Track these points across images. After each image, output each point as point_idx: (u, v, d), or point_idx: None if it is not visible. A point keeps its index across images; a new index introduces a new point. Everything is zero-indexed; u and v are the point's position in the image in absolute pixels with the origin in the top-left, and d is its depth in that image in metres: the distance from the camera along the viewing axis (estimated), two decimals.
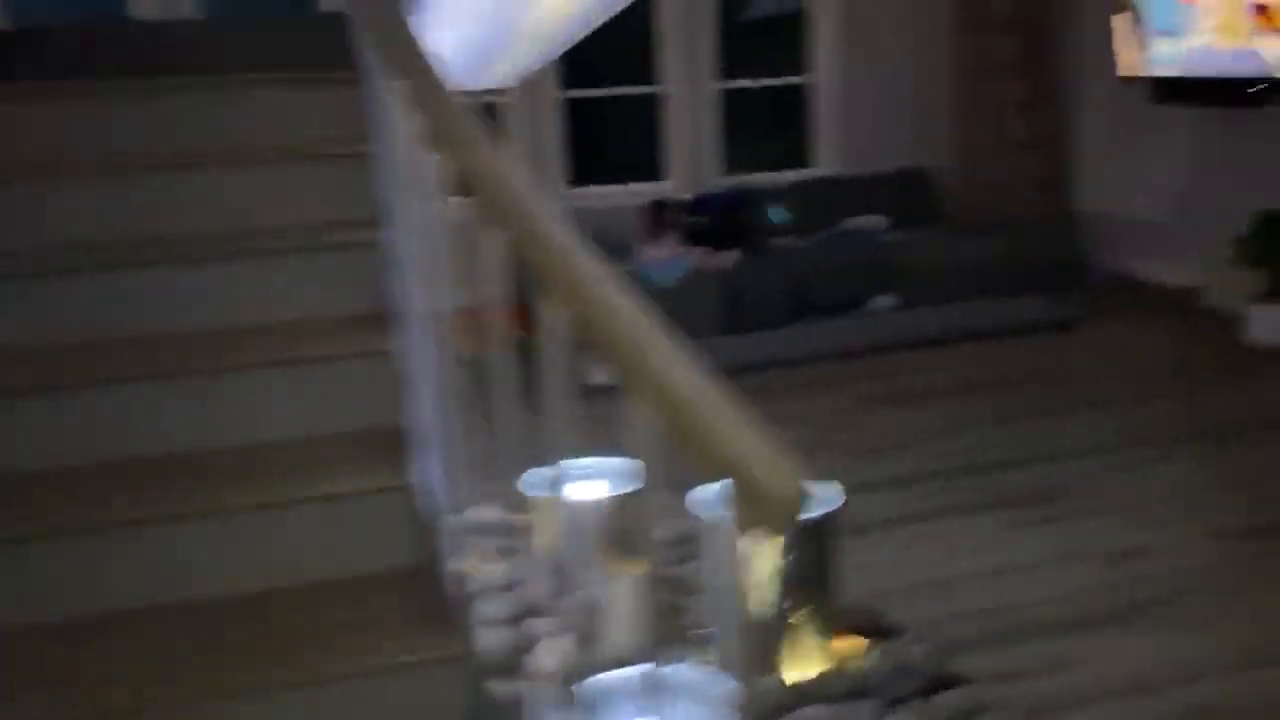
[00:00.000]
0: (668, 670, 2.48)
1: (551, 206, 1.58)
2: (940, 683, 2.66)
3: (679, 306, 5.96)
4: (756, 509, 1.17)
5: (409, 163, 1.90)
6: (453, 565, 2.00)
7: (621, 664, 2.83)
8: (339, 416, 2.22)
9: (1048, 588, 3.54)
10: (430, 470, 2.12)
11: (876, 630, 2.97)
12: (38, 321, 2.22)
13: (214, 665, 1.82)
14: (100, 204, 2.33)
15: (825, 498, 2.76)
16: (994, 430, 4.91)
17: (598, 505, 3.25)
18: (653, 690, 2.49)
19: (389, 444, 2.20)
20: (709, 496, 3.27)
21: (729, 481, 1.19)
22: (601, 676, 2.46)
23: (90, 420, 2.10)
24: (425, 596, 2.06)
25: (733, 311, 6.24)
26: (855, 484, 4.42)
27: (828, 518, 2.69)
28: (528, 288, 6.07)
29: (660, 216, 6.26)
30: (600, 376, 5.13)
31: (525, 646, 2.86)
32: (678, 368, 1.33)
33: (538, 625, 2.95)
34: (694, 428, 1.25)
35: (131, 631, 1.90)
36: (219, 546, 2.00)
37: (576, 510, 3.23)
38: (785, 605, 2.68)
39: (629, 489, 3.30)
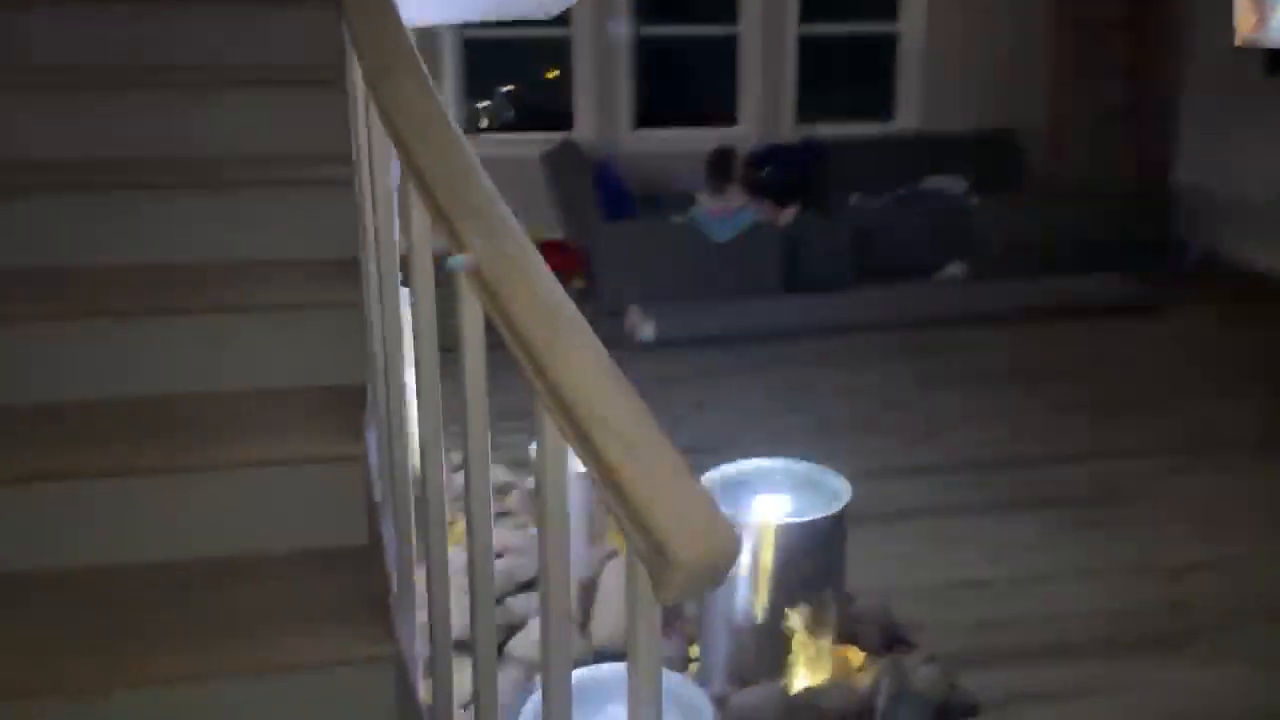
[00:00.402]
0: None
1: (481, 178, 1.32)
2: (949, 710, 2.41)
3: (736, 261, 5.77)
4: (668, 577, 0.94)
5: (362, 100, 1.67)
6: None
7: (597, 656, 2.64)
8: (298, 371, 2.02)
9: (1091, 600, 3.23)
10: None
11: (887, 639, 2.72)
12: None
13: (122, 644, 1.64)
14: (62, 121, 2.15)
15: (836, 492, 2.51)
16: (1054, 419, 4.58)
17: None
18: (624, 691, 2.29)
19: (352, 405, 2.00)
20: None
21: (642, 539, 0.95)
22: (581, 671, 2.27)
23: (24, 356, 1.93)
24: (370, 580, 1.86)
25: (793, 270, 5.94)
26: (896, 468, 4.18)
27: (835, 516, 2.43)
28: (580, 229, 5.73)
29: (724, 165, 5.95)
30: (648, 333, 4.86)
31: (509, 626, 2.67)
32: (590, 385, 1.08)
33: (523, 604, 2.76)
34: (605, 465, 1.01)
35: (41, 598, 1.74)
36: (146, 507, 1.82)
37: (578, 481, 3.02)
38: (787, 608, 2.45)
39: None
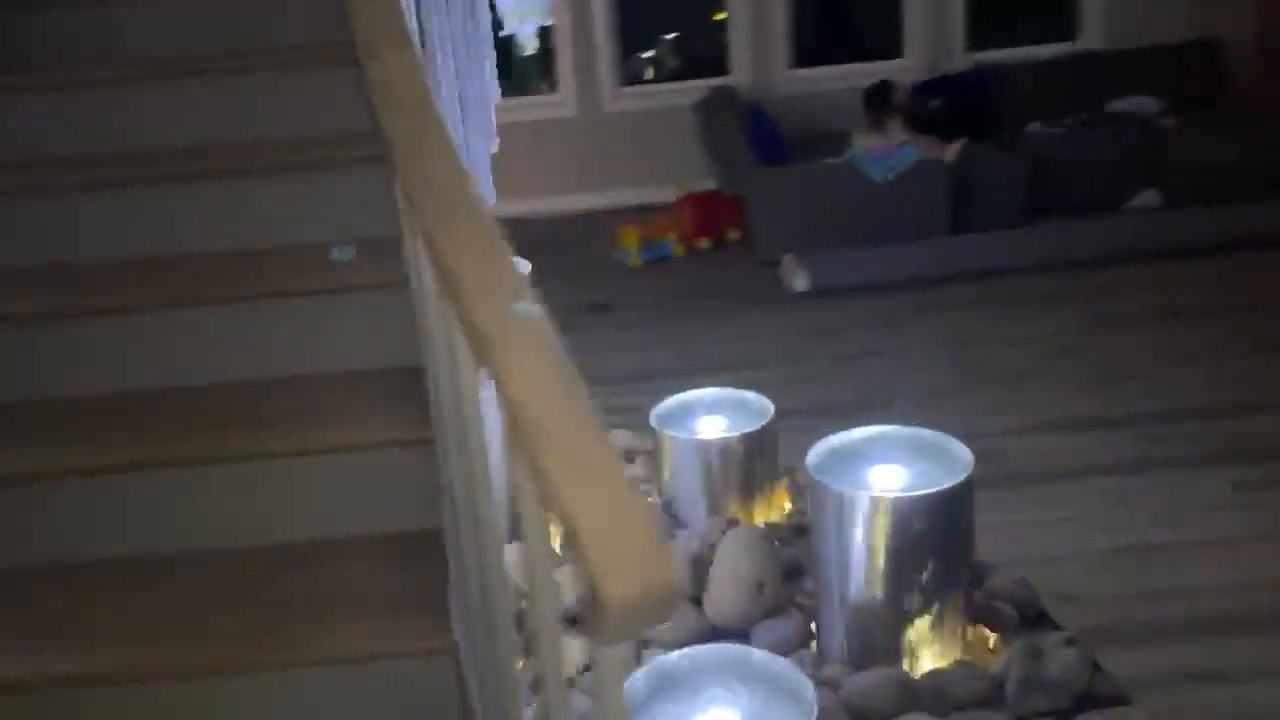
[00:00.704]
0: (755, 655, 2.15)
1: (451, 157, 1.20)
2: (1089, 699, 2.19)
3: (899, 202, 5.46)
4: (597, 617, 0.82)
5: None
6: None
7: (713, 633, 2.53)
8: (357, 353, 1.98)
9: (1277, 568, 2.90)
10: None
11: (1026, 617, 2.50)
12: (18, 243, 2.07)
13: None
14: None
15: (959, 461, 2.30)
16: (1250, 363, 4.13)
17: (723, 443, 2.91)
18: (727, 673, 2.17)
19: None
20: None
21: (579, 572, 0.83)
22: (682, 652, 2.17)
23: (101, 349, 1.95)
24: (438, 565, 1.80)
25: (962, 209, 5.59)
26: (1062, 421, 3.86)
27: (956, 488, 2.23)
28: (733, 177, 5.54)
29: (883, 99, 5.63)
30: (802, 283, 4.64)
31: None
32: (537, 393, 0.95)
33: None
34: (547, 484, 0.89)
35: (125, 582, 1.76)
36: (216, 495, 1.82)
37: (699, 446, 2.90)
38: (914, 583, 2.27)
39: (757, 426, 2.94)
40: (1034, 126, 6.08)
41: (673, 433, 2.88)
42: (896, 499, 2.21)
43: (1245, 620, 2.70)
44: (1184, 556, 3.00)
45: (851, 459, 2.36)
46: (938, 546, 2.22)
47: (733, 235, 5.95)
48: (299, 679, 1.64)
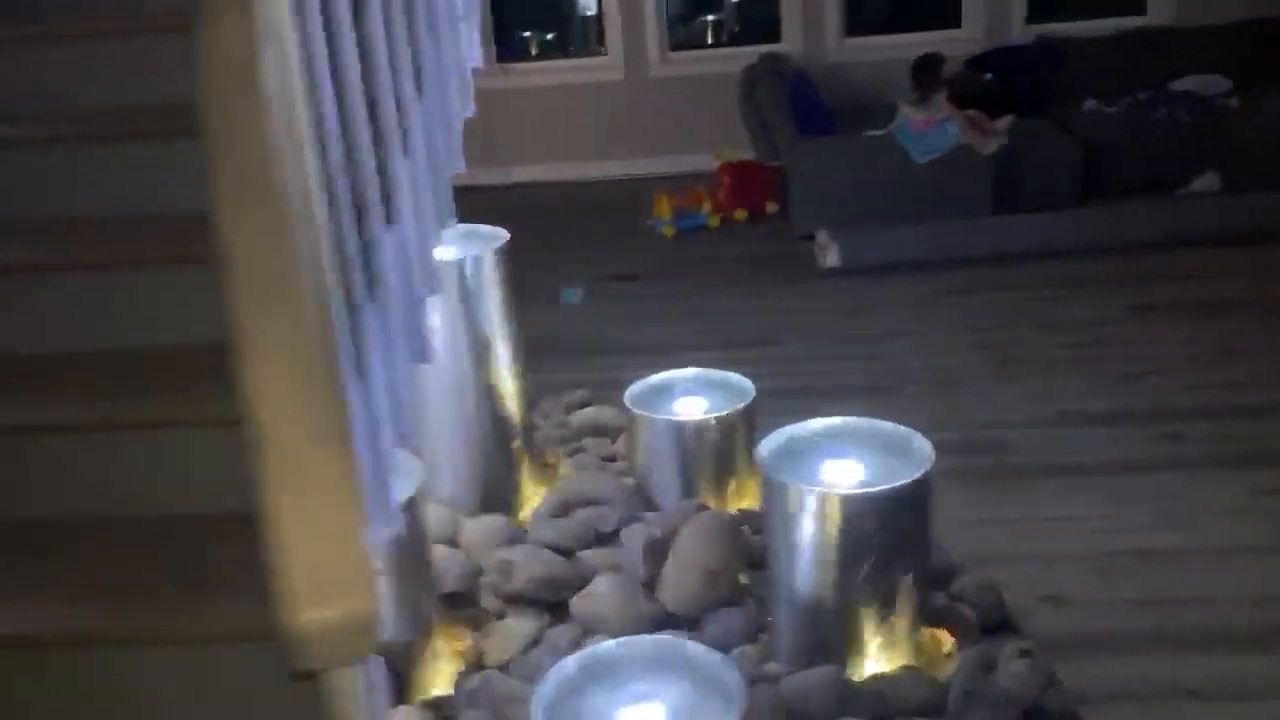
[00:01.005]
0: (689, 647, 2.08)
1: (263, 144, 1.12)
2: (1038, 713, 2.07)
3: (941, 179, 5.27)
4: (294, 641, 0.75)
5: None
6: None
7: (665, 620, 2.46)
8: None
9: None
10: None
11: (989, 622, 2.38)
12: None
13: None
14: None
15: (919, 457, 2.19)
16: None
17: (698, 425, 2.81)
18: (660, 665, 2.10)
19: None
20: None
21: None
22: (618, 640, 2.10)
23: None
24: None
25: (1010, 188, 5.38)
26: (1084, 414, 3.69)
27: (913, 485, 2.12)
28: (773, 148, 5.37)
29: (930, 71, 5.42)
30: (833, 259, 4.52)
31: (580, 579, 2.53)
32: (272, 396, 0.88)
33: (594, 558, 2.61)
34: (264, 502, 0.83)
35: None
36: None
37: (673, 427, 2.81)
38: (863, 583, 2.17)
39: (734, 407, 2.84)
40: (1090, 104, 5.82)
41: (645, 413, 2.80)
42: (846, 497, 2.11)
43: (1244, 637, 2.56)
44: (1188, 564, 2.85)
45: (808, 451, 2.26)
46: (889, 546, 2.12)
47: (771, 208, 5.81)
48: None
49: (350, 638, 0.76)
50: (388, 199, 1.88)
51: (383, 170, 1.92)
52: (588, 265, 5.41)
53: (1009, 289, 4.78)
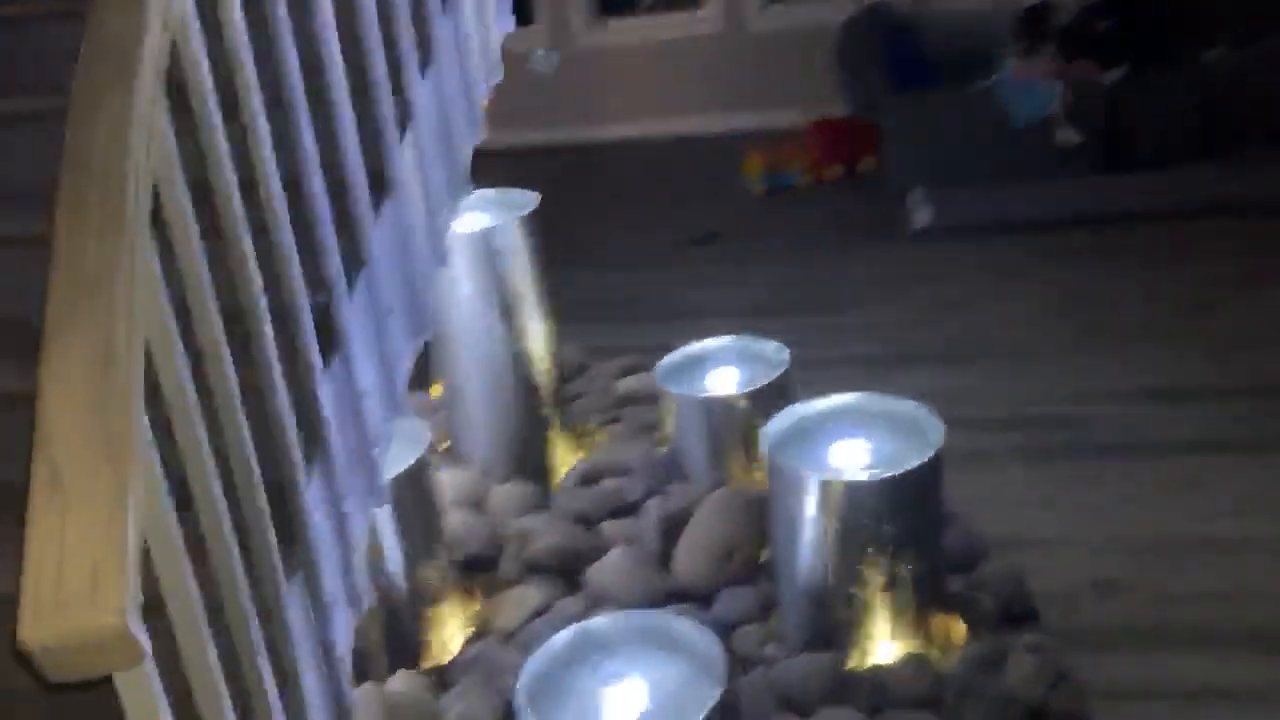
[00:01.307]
0: (677, 624, 2.06)
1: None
2: (1043, 713, 1.98)
3: (1045, 133, 5.01)
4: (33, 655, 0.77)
5: None
6: None
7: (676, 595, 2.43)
8: None
9: None
10: None
11: (1010, 612, 2.28)
12: None
13: None
14: None
15: (930, 440, 2.10)
16: None
17: (726, 400, 2.74)
18: (648, 641, 2.08)
19: None
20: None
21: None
22: (609, 616, 2.09)
23: None
24: None
25: (1121, 144, 5.08)
26: (1164, 390, 3.47)
27: (919, 469, 2.04)
28: (871, 105, 5.18)
29: (1039, 25, 5.14)
30: (922, 219, 4.37)
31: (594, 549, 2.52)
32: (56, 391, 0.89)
33: (613, 529, 2.60)
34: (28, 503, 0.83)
35: None
36: None
37: (701, 404, 2.75)
38: (866, 570, 2.10)
39: (766, 380, 2.77)
40: (1214, 53, 5.43)
41: (673, 389, 2.76)
42: (849, 483, 2.04)
43: (1256, 632, 2.41)
44: (1249, 555, 2.68)
45: (817, 431, 2.19)
46: (895, 532, 2.05)
47: (866, 165, 5.64)
48: None
49: (86, 655, 0.77)
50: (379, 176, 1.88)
51: (375, 146, 1.93)
52: (667, 225, 5.35)
53: (1108, 253, 4.53)
